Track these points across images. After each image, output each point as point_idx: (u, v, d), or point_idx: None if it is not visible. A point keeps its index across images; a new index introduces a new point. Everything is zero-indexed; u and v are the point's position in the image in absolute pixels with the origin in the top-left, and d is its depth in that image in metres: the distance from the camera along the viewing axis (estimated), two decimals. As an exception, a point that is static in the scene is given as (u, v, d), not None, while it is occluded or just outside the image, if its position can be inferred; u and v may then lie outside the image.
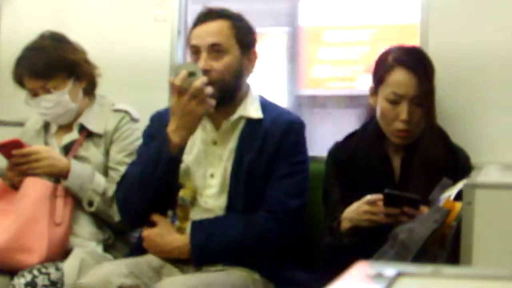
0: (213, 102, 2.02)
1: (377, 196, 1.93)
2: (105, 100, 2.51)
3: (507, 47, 2.33)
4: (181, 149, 2.05)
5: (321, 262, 2.18)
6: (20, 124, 2.67)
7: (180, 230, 2.10)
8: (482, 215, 1.37)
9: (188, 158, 2.14)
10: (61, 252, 2.25)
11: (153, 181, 2.05)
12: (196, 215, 2.12)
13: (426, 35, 2.40)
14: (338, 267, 0.92)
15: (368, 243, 1.86)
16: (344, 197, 2.09)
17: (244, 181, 2.11)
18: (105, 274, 1.93)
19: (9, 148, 2.27)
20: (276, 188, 2.10)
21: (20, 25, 2.95)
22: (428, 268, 0.80)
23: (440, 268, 0.80)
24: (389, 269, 0.79)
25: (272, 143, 2.12)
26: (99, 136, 2.42)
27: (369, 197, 1.95)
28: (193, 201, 2.12)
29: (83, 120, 2.43)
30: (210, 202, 2.13)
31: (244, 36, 2.17)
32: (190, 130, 2.04)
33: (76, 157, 2.37)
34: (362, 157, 2.16)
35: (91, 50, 2.51)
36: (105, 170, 2.40)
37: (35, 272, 2.14)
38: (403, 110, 2.06)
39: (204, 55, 2.10)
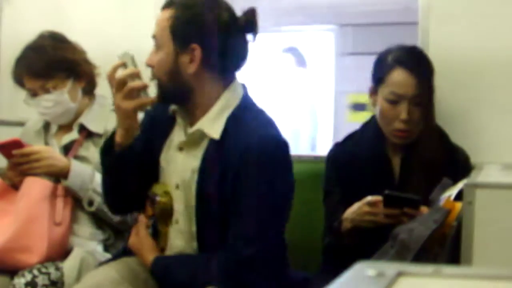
0: (148, 99, 1.84)
1: (378, 197, 1.93)
2: (105, 100, 2.51)
3: (507, 48, 2.33)
4: (124, 148, 1.88)
5: (321, 262, 2.19)
6: (20, 124, 2.67)
7: (165, 236, 1.97)
8: (483, 215, 1.37)
9: (163, 161, 1.96)
10: (61, 252, 2.25)
11: (108, 177, 1.99)
12: (172, 235, 1.96)
13: (426, 35, 2.40)
14: (339, 267, 0.92)
15: (369, 243, 1.86)
16: (344, 197, 2.09)
17: (209, 208, 1.86)
18: (97, 282, 1.90)
19: (9, 148, 2.27)
20: (232, 229, 1.81)
21: (20, 25, 2.95)
22: (428, 268, 0.80)
23: (440, 268, 0.80)
24: (390, 269, 0.78)
25: (231, 170, 1.80)
26: (99, 136, 2.41)
27: (369, 198, 1.96)
28: (172, 207, 1.94)
29: (83, 120, 2.43)
30: (181, 222, 1.92)
31: (181, 29, 1.83)
32: (124, 127, 1.87)
33: (76, 157, 2.37)
34: (362, 157, 2.16)
35: (91, 50, 2.51)
36: (105, 170, 2.40)
37: (35, 272, 2.14)
38: (402, 110, 2.06)
39: (152, 48, 1.91)
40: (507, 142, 2.32)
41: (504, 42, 2.34)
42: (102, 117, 2.44)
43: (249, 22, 1.88)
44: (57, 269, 2.18)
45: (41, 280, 2.13)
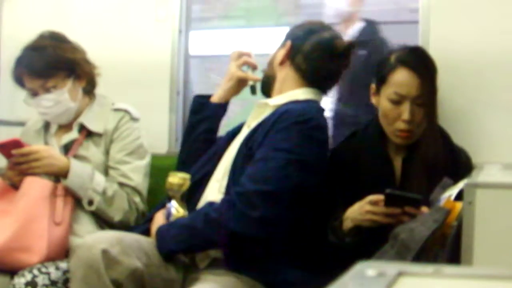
0: (254, 76, 2.33)
1: (379, 197, 1.93)
2: (105, 99, 2.51)
3: (508, 47, 2.33)
4: (214, 107, 2.36)
5: (322, 261, 2.18)
6: (20, 124, 2.68)
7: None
8: (483, 215, 1.36)
9: (235, 144, 2.18)
10: (61, 251, 2.26)
11: (191, 129, 2.38)
12: (207, 191, 2.11)
13: (427, 35, 2.40)
14: (339, 266, 0.92)
15: (370, 242, 1.86)
16: (346, 196, 2.09)
17: (240, 163, 2.04)
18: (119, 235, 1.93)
19: (9, 147, 2.28)
20: (246, 171, 1.96)
21: (20, 24, 2.95)
22: (429, 268, 0.80)
23: (441, 268, 0.80)
24: (390, 269, 0.78)
25: (264, 128, 2.04)
26: (99, 135, 2.42)
27: (371, 197, 1.95)
28: (182, 191, 2.07)
29: (83, 119, 2.43)
30: (217, 177, 2.12)
31: (290, 32, 2.29)
32: (225, 88, 2.36)
33: (76, 157, 2.37)
34: (364, 157, 2.16)
35: (92, 50, 2.52)
36: (105, 170, 2.40)
37: (35, 271, 2.14)
38: (405, 110, 2.06)
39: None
40: (507, 142, 2.32)
41: (504, 42, 2.34)
42: (102, 117, 2.45)
43: (345, 51, 2.19)
44: (57, 268, 2.18)
45: (41, 279, 2.13)
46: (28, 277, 2.12)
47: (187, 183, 2.09)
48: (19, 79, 2.40)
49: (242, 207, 1.88)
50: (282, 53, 2.21)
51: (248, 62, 2.34)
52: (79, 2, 2.96)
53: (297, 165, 1.95)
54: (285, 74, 2.20)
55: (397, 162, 2.15)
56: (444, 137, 2.16)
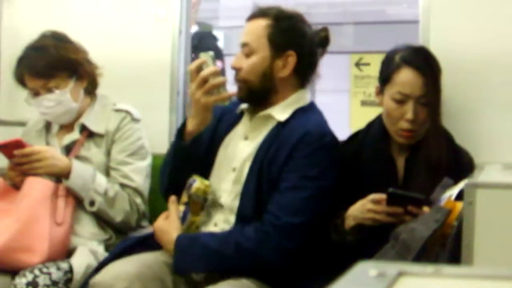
0: (227, 94, 2.02)
1: (381, 196, 1.93)
2: (107, 100, 2.51)
3: (508, 47, 2.33)
4: (194, 138, 2.05)
5: (324, 259, 2.18)
6: (21, 124, 2.67)
7: (192, 224, 2.06)
8: (484, 215, 1.37)
9: (223, 152, 2.13)
10: (63, 252, 2.26)
11: (169, 165, 2.12)
12: (210, 211, 2.08)
13: (427, 35, 2.40)
14: (341, 265, 0.92)
15: (372, 241, 1.86)
16: (348, 195, 2.09)
17: (255, 183, 2.02)
18: (115, 275, 1.90)
19: (11, 148, 2.28)
20: (276, 200, 1.97)
21: (21, 24, 2.95)
22: (429, 268, 0.80)
23: (441, 268, 0.80)
24: (391, 269, 0.79)
25: (285, 149, 2.00)
26: (100, 136, 2.42)
27: (373, 196, 1.96)
28: (205, 198, 2.05)
29: (84, 120, 2.43)
30: (224, 197, 2.07)
31: (278, 37, 2.07)
32: (199, 119, 2.05)
33: (78, 157, 2.37)
34: (367, 156, 2.16)
35: (92, 50, 2.51)
36: (107, 170, 2.40)
37: (36, 271, 2.14)
38: (408, 110, 2.06)
39: (238, 53, 2.11)
40: (507, 142, 2.32)
41: (505, 41, 2.33)
42: (104, 117, 2.45)
43: (325, 38, 2.16)
44: (58, 269, 2.18)
45: (42, 280, 2.13)
46: (29, 277, 2.12)
47: (209, 190, 2.07)
48: (20, 79, 2.39)
49: (280, 239, 1.92)
50: (283, 65, 2.07)
51: (217, 84, 2.02)
52: (79, 2, 2.95)
53: (326, 191, 2.01)
54: (284, 82, 2.10)
55: (400, 162, 2.15)
56: (447, 138, 2.16)
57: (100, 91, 2.52)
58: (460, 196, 1.67)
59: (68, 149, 2.41)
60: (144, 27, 2.85)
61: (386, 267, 0.79)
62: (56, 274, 2.16)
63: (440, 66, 2.13)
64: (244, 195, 2.03)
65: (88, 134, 2.42)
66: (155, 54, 2.81)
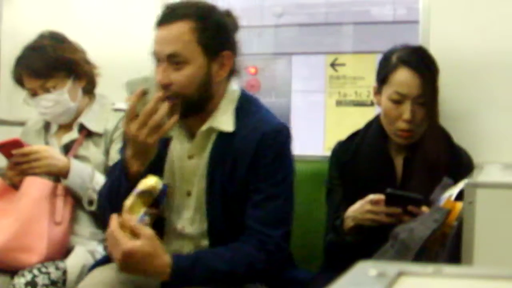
0: (173, 120, 1.77)
1: (380, 196, 1.94)
2: (105, 99, 2.51)
3: (508, 47, 2.33)
4: (141, 175, 1.81)
5: (323, 260, 2.19)
6: (19, 124, 2.67)
7: (155, 217, 1.84)
8: (483, 215, 1.36)
9: (169, 176, 1.94)
10: (61, 251, 2.26)
11: (115, 198, 1.84)
12: (171, 241, 1.94)
13: (427, 35, 2.40)
14: (340, 265, 0.92)
15: (371, 241, 1.87)
16: (347, 195, 2.09)
17: (220, 202, 1.89)
18: (99, 281, 1.86)
19: (9, 147, 2.28)
20: (257, 215, 1.86)
21: (21, 25, 2.95)
22: (429, 268, 0.80)
23: (441, 268, 0.80)
24: (390, 269, 0.78)
25: (245, 159, 1.86)
26: (99, 135, 2.42)
27: (371, 196, 1.96)
28: (153, 190, 1.81)
29: (83, 119, 2.43)
30: (188, 227, 1.94)
31: (210, 39, 1.85)
32: (144, 158, 1.80)
33: (76, 157, 2.37)
34: (365, 156, 2.16)
35: (92, 50, 2.51)
36: (105, 170, 2.40)
37: (35, 271, 2.14)
38: (406, 110, 2.06)
39: (162, 66, 1.84)
40: (507, 142, 2.32)
41: (505, 41, 2.34)
42: (102, 117, 2.45)
43: (235, 21, 1.96)
44: (57, 268, 2.18)
45: (41, 279, 2.13)
46: (28, 277, 2.12)
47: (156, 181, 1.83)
48: (19, 79, 2.40)
49: (280, 253, 1.89)
50: (219, 68, 1.88)
51: (161, 119, 1.77)
52: (79, 2, 2.95)
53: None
54: (219, 85, 1.91)
55: (398, 162, 2.15)
56: (445, 137, 2.16)
57: (99, 91, 2.52)
58: (460, 196, 1.67)
59: (67, 149, 2.41)
60: (144, 27, 2.84)
61: (386, 267, 0.79)
62: (55, 274, 2.16)
63: (437, 66, 2.13)
64: (212, 220, 1.91)
65: (87, 133, 2.42)
66: (154, 54, 2.81)
